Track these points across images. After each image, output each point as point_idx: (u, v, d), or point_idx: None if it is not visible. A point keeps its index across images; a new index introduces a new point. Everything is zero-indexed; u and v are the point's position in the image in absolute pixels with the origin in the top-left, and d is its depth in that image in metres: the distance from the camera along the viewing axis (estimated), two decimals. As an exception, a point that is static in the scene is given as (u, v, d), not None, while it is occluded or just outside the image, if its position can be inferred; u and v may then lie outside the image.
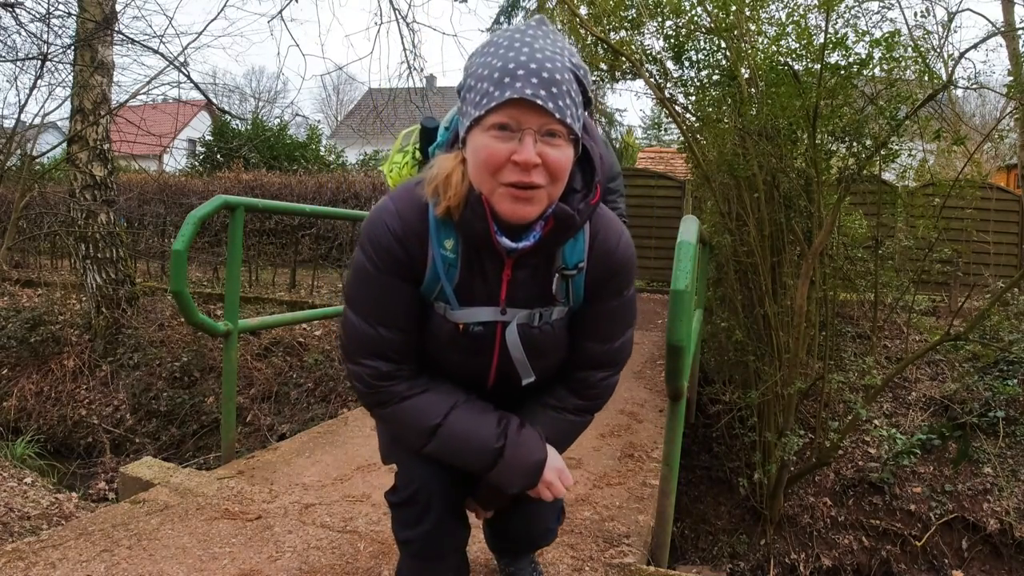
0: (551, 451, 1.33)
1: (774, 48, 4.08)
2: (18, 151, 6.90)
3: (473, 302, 1.24)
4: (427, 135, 1.54)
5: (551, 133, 1.06)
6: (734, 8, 4.17)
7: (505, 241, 1.14)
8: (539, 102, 1.03)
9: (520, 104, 1.04)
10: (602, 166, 1.21)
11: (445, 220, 1.18)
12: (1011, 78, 4.97)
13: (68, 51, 6.22)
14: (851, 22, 3.96)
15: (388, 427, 1.40)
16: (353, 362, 1.26)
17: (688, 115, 5.07)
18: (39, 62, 5.93)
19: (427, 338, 1.28)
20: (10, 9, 5.63)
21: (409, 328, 1.25)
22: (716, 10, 4.22)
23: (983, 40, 4.35)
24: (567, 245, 1.23)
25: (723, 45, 4.43)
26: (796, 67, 3.88)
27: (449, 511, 1.38)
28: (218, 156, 14.58)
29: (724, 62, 4.54)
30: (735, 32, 4.23)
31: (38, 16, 6.03)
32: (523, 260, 1.21)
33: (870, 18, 4.11)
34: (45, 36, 6.01)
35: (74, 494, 4.00)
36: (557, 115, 1.05)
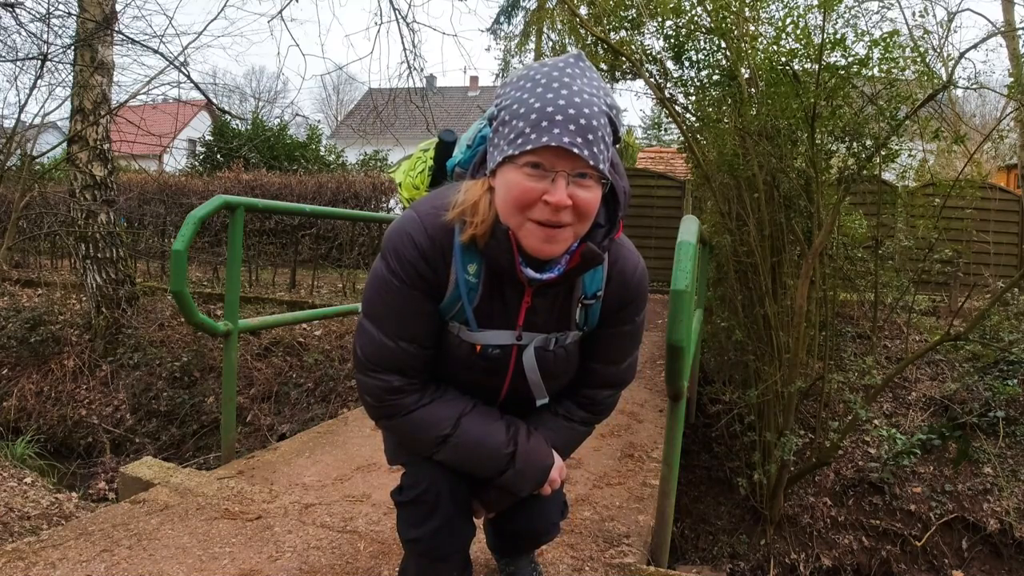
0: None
1: (774, 48, 4.08)
2: (18, 151, 6.89)
3: (490, 325, 1.26)
4: (444, 148, 1.56)
5: (582, 175, 1.08)
6: (734, 8, 4.16)
7: (529, 272, 1.16)
8: (575, 150, 1.04)
9: (556, 149, 1.05)
10: (626, 200, 1.23)
11: (469, 245, 1.19)
12: (1011, 78, 4.97)
13: (68, 51, 6.21)
14: (851, 22, 3.97)
15: (396, 436, 1.41)
16: (366, 374, 1.26)
17: (688, 115, 5.07)
18: (39, 62, 5.93)
19: (441, 355, 1.29)
20: (10, 9, 5.63)
21: (429, 344, 1.26)
22: (716, 10, 4.22)
23: (983, 40, 4.36)
24: (587, 274, 1.26)
25: (723, 45, 4.42)
26: (796, 67, 3.88)
27: (457, 509, 1.39)
28: (218, 156, 14.55)
29: (724, 62, 4.54)
30: (735, 32, 4.23)
31: (38, 16, 6.04)
32: (543, 289, 1.23)
33: (869, 18, 4.12)
34: (45, 36, 6.01)
35: (74, 494, 3.99)
36: (591, 162, 1.06)
